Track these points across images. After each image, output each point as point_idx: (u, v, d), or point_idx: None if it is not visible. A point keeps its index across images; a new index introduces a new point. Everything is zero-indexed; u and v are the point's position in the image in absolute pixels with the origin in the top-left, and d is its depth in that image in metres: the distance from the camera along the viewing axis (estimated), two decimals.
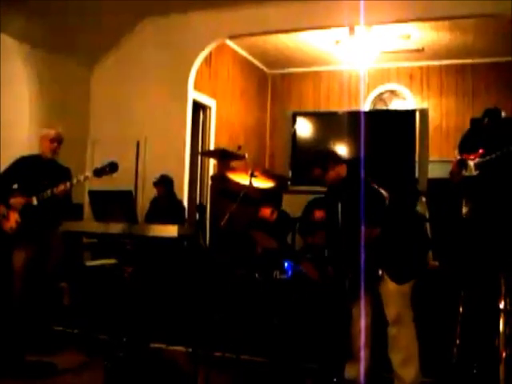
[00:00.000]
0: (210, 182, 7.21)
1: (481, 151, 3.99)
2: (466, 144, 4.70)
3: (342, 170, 3.55)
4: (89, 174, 4.13)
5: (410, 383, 3.29)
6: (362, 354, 3.45)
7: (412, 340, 3.33)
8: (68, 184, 4.11)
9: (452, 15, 5.98)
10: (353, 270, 3.36)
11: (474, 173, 3.76)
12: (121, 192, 4.55)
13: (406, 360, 3.31)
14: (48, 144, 4.38)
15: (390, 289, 3.32)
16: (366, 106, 8.51)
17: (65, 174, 4.44)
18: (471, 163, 3.86)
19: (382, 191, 3.34)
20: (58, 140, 4.41)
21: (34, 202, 4.16)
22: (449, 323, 3.78)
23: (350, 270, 3.39)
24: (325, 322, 3.98)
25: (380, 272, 3.32)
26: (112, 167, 4.07)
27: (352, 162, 3.61)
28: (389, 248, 3.29)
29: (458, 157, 4.13)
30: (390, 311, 3.34)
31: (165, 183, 5.93)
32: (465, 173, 3.80)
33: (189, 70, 6.72)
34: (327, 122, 7.33)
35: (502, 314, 3.38)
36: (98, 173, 4.07)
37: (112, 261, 4.97)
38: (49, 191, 4.11)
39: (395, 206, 3.32)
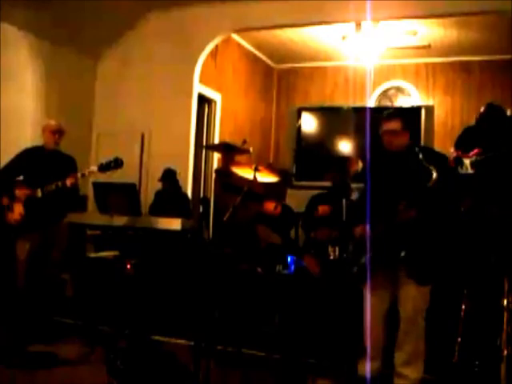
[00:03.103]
0: (214, 176, 7.21)
1: (476, 150, 3.98)
2: (463, 141, 4.69)
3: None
4: (94, 168, 4.16)
5: (415, 380, 3.25)
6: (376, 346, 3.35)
7: (422, 338, 3.28)
8: (76, 176, 4.14)
9: (459, 12, 5.94)
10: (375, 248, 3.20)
11: (470, 171, 3.75)
12: (125, 184, 4.57)
13: (412, 357, 3.27)
14: (50, 135, 4.43)
15: (409, 286, 3.21)
16: (371, 103, 8.47)
17: (69, 163, 4.48)
18: (467, 161, 3.86)
19: (433, 172, 3.07)
20: (58, 131, 4.46)
21: (39, 194, 4.17)
22: (451, 321, 3.77)
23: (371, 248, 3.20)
24: (334, 316, 3.93)
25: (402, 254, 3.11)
26: (117, 163, 4.10)
27: None
28: (418, 240, 3.12)
29: (454, 153, 4.11)
30: (407, 308, 3.25)
31: (169, 177, 5.93)
32: (461, 170, 3.80)
33: (194, 64, 6.70)
34: (332, 117, 7.32)
35: (505, 313, 3.38)
36: (103, 168, 4.11)
37: (115, 253, 4.98)
38: (53, 185, 4.12)
39: (440, 192, 3.01)
